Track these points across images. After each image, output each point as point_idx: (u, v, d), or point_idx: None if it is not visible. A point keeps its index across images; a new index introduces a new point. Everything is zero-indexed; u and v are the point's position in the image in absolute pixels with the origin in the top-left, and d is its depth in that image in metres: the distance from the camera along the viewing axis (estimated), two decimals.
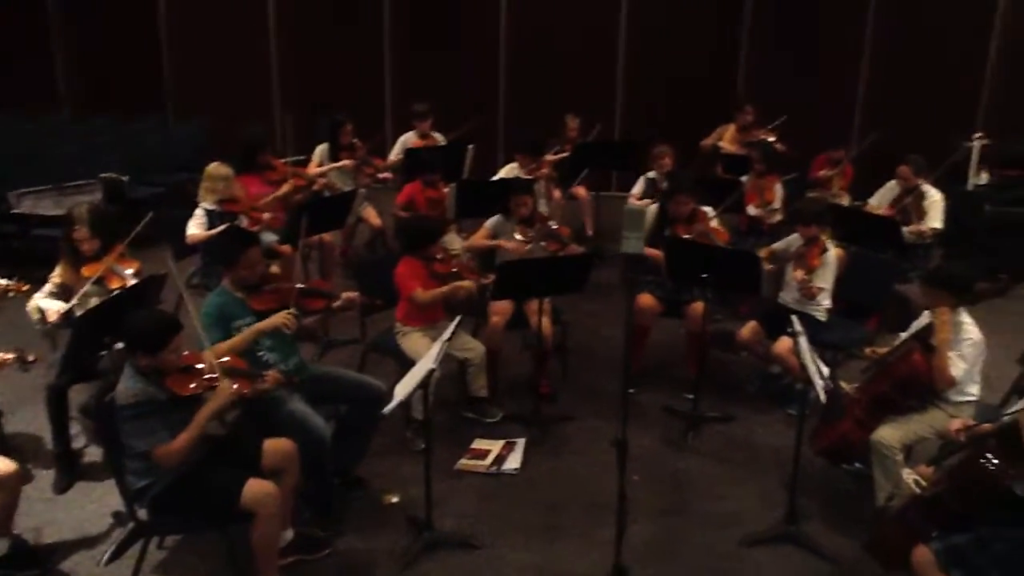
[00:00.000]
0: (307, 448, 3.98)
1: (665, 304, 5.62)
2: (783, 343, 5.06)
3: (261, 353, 4.16)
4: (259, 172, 6.52)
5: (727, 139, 8.26)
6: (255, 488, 3.57)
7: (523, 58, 10.53)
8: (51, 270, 4.81)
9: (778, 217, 6.83)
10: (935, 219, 6.36)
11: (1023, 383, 4.15)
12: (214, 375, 3.65)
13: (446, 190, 6.94)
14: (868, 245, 6.00)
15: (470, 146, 7.63)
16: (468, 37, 10.60)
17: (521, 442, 5.06)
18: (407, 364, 4.56)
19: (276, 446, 3.84)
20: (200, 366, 3.68)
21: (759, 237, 6.60)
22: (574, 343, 6.06)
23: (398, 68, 10.80)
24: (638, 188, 7.17)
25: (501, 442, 5.05)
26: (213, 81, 10.63)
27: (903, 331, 4.46)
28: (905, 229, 6.18)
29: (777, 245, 5.58)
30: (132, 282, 4.75)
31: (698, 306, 5.45)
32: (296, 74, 10.85)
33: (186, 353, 3.69)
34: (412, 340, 5.03)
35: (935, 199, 6.41)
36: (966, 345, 4.09)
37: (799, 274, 5.29)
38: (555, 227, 5.69)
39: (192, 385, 3.59)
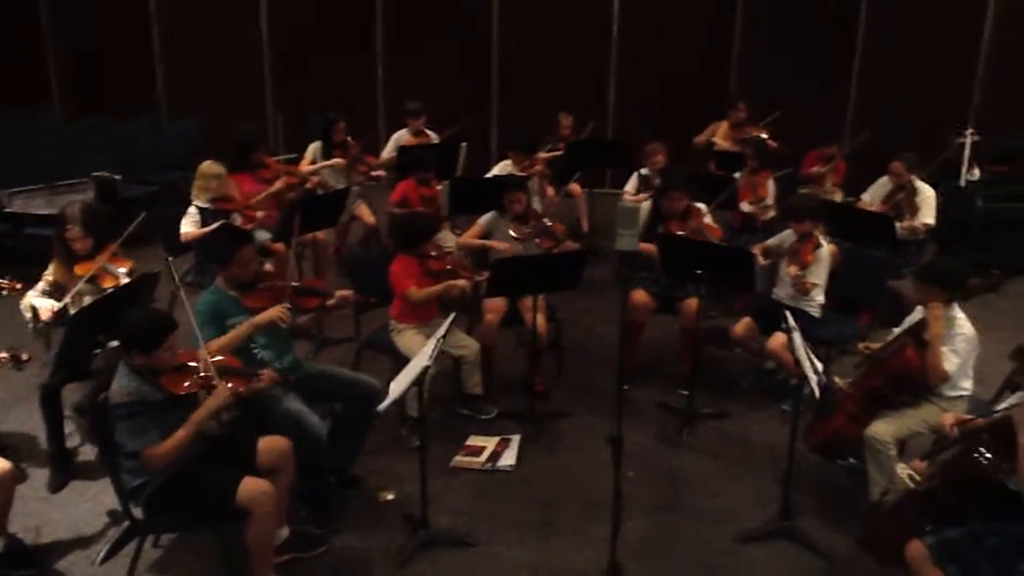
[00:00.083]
0: (302, 446, 3.98)
1: (659, 301, 5.63)
2: (777, 339, 5.07)
3: (256, 351, 4.16)
4: (252, 170, 6.50)
5: (720, 136, 8.27)
6: (250, 486, 3.57)
7: (516, 56, 10.52)
8: (44, 269, 4.81)
9: (771, 213, 6.85)
10: (927, 215, 6.38)
11: (1016, 378, 4.17)
12: (209, 374, 3.64)
13: (439, 188, 6.94)
14: (861, 241, 6.02)
15: (463, 144, 7.63)
16: (461, 34, 10.59)
17: (516, 439, 5.06)
18: (402, 362, 4.56)
19: (271, 444, 3.84)
20: (195, 365, 3.68)
21: (752, 234, 6.61)
22: (568, 340, 6.07)
23: (391, 66, 10.78)
24: (631, 185, 7.18)
25: (496, 439, 5.06)
26: (206, 79, 10.59)
27: (896, 326, 4.48)
28: (898, 225, 6.20)
29: (771, 241, 5.59)
30: (125, 281, 4.74)
31: (692, 302, 5.46)
32: (289, 72, 10.82)
33: (181, 352, 3.68)
34: (407, 338, 5.03)
35: (927, 195, 6.43)
36: (959, 340, 4.11)
37: (793, 270, 5.30)
38: (549, 224, 5.69)
39: (187, 384, 3.59)
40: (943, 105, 9.49)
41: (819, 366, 4.13)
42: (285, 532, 3.98)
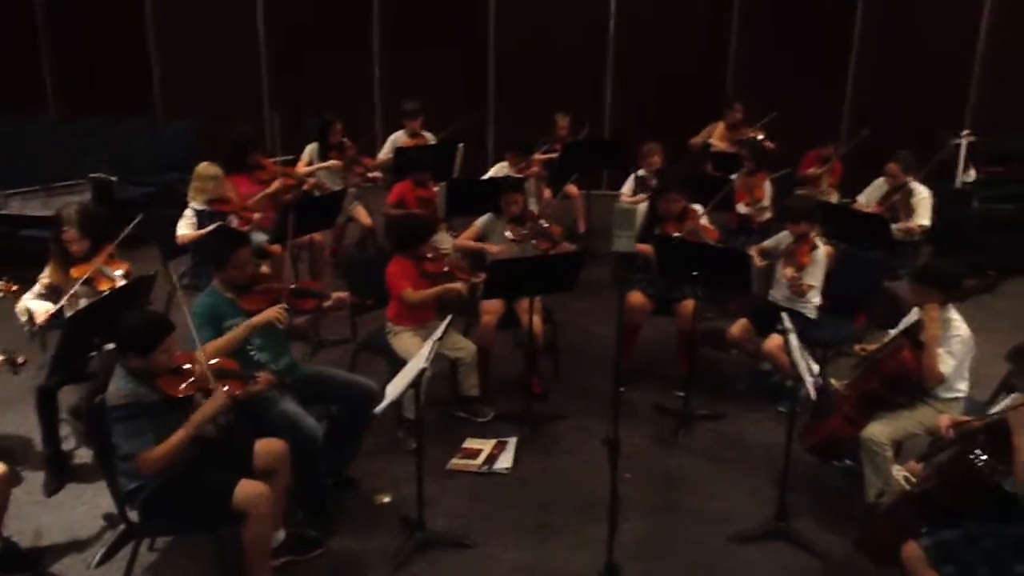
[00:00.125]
0: (299, 448, 3.97)
1: (656, 302, 5.64)
2: (773, 340, 5.08)
3: (252, 353, 4.16)
4: (249, 172, 6.50)
5: (716, 137, 8.28)
6: (247, 489, 3.57)
7: (513, 56, 10.52)
8: (40, 271, 4.80)
9: (768, 215, 6.86)
10: (923, 216, 6.39)
11: (1011, 379, 4.17)
12: (206, 376, 3.64)
13: (436, 189, 6.94)
14: (857, 242, 6.03)
15: (460, 145, 7.63)
16: (457, 35, 10.58)
17: (512, 441, 5.06)
18: (398, 364, 4.56)
19: (268, 447, 3.84)
20: (192, 367, 3.67)
21: (749, 235, 6.61)
22: (565, 342, 6.06)
23: (388, 67, 10.78)
24: (628, 186, 7.18)
25: (492, 441, 5.05)
26: (202, 80, 10.58)
27: (892, 328, 4.49)
28: (894, 226, 6.21)
29: (767, 243, 5.60)
30: (121, 283, 4.73)
31: (688, 304, 5.47)
32: (285, 73, 10.82)
33: (178, 354, 3.68)
34: (403, 340, 5.03)
35: (923, 196, 6.44)
36: (955, 342, 4.12)
37: (789, 271, 5.31)
38: (546, 225, 5.69)
39: (183, 386, 3.59)
40: (939, 106, 9.51)
41: (815, 368, 4.14)
42: (281, 535, 3.98)
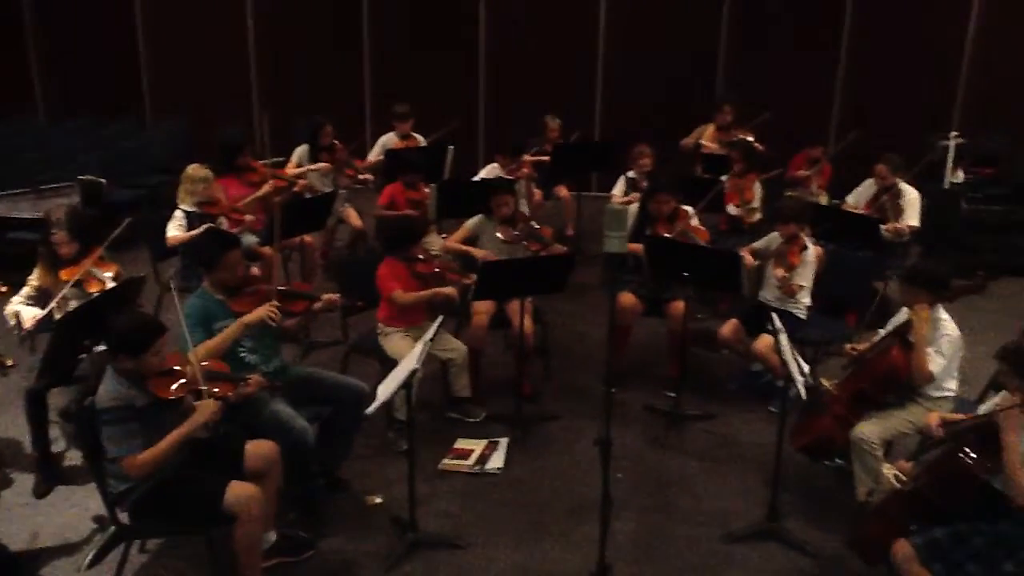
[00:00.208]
0: (290, 450, 3.97)
1: (646, 303, 5.64)
2: (764, 341, 5.09)
3: (243, 355, 4.15)
4: (238, 174, 6.49)
5: (707, 138, 8.29)
6: (238, 491, 3.56)
7: (503, 59, 10.54)
8: (29, 273, 4.78)
9: (757, 216, 6.88)
10: (912, 217, 6.42)
11: (1000, 378, 4.19)
12: (197, 378, 3.63)
13: (427, 191, 6.94)
14: (847, 243, 6.05)
15: (451, 147, 7.63)
16: (448, 37, 10.59)
17: (504, 442, 5.06)
18: (389, 365, 4.55)
19: (258, 448, 3.83)
20: (183, 369, 3.66)
21: (739, 236, 6.63)
22: (555, 343, 6.07)
23: (378, 69, 10.78)
24: (619, 188, 7.19)
25: (484, 442, 5.05)
26: (191, 82, 10.56)
27: (882, 328, 4.51)
28: (883, 227, 6.24)
29: (757, 244, 5.62)
30: (111, 285, 4.71)
31: (679, 305, 5.48)
32: (275, 75, 10.80)
33: (169, 355, 3.66)
34: (394, 341, 5.02)
35: (912, 197, 6.47)
36: (944, 341, 4.14)
37: (779, 272, 5.33)
38: (537, 227, 5.69)
39: (174, 387, 3.57)
40: (928, 108, 9.57)
41: (805, 368, 4.15)
42: (273, 536, 3.96)
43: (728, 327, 5.46)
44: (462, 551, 4.14)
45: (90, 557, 4.00)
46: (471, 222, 5.82)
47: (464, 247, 5.75)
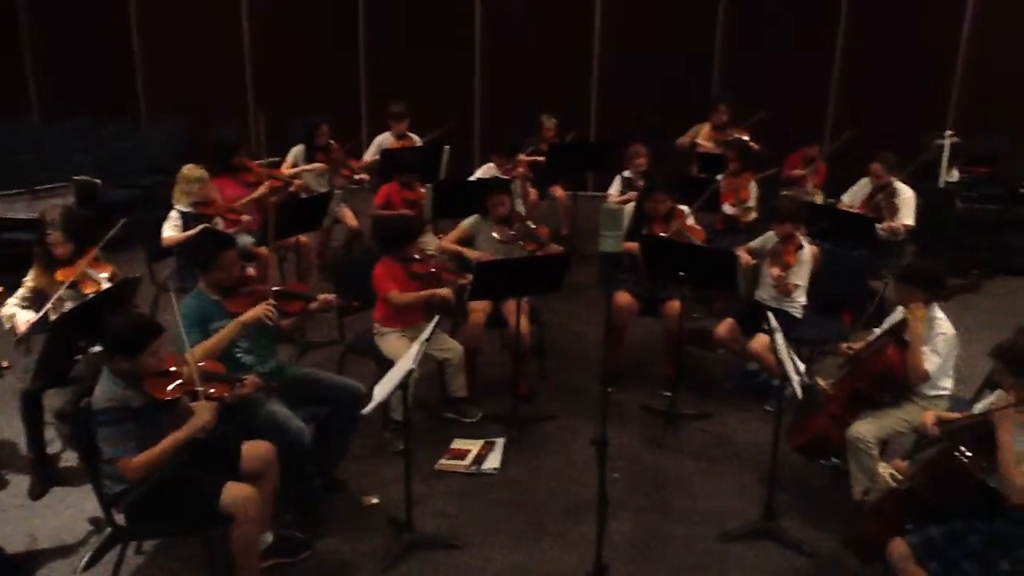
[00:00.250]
0: (286, 450, 3.97)
1: (642, 303, 5.65)
2: (759, 340, 5.10)
3: (239, 355, 4.15)
4: (234, 174, 6.49)
5: (702, 138, 8.30)
6: (234, 492, 3.55)
7: (499, 59, 10.54)
8: (24, 274, 4.77)
9: (753, 215, 6.89)
10: (907, 216, 6.43)
11: (995, 377, 4.20)
12: (193, 379, 3.62)
13: (423, 191, 6.94)
14: (842, 242, 6.06)
15: (446, 147, 7.63)
16: (444, 37, 10.59)
17: (500, 442, 5.06)
18: (386, 365, 4.54)
19: (255, 449, 3.82)
20: (179, 369, 3.65)
21: (735, 235, 6.63)
22: (551, 343, 6.07)
23: (374, 69, 10.77)
24: (615, 188, 7.20)
25: (480, 442, 5.05)
26: (187, 82, 10.54)
27: (877, 327, 4.52)
28: (878, 226, 6.25)
29: (753, 243, 5.62)
30: (107, 286, 4.71)
31: (675, 304, 5.48)
32: (271, 75, 10.79)
33: (165, 356, 3.66)
34: (390, 341, 5.02)
35: (907, 196, 6.48)
36: (939, 340, 4.15)
37: (775, 271, 5.34)
38: (533, 227, 5.70)
39: (171, 388, 3.57)
40: (923, 107, 9.58)
41: (801, 367, 4.16)
42: (269, 537, 3.96)
43: (724, 326, 5.46)
44: (459, 551, 4.14)
45: (86, 559, 3.99)
46: (467, 222, 5.81)
47: (459, 248, 5.75)
